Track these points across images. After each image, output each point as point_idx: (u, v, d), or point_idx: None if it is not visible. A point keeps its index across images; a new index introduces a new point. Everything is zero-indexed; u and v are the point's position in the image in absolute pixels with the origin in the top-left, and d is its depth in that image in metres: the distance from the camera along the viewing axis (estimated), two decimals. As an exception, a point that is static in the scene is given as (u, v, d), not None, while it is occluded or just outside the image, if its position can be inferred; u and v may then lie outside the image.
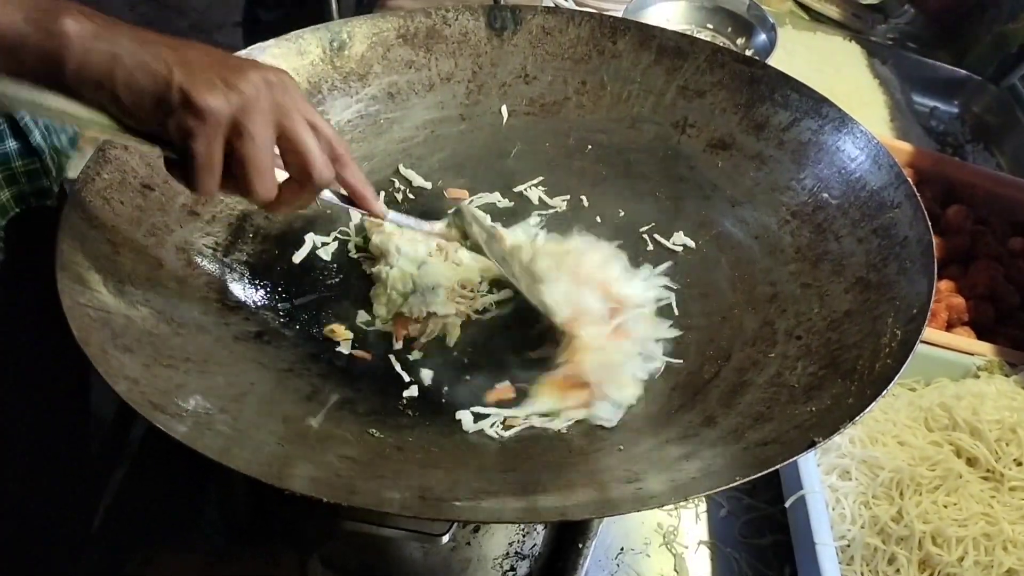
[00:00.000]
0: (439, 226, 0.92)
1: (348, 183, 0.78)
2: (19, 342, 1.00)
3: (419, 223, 0.91)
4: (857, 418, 0.72)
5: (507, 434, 0.84)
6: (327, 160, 0.72)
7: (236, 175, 0.68)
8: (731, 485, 0.67)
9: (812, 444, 0.70)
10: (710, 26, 1.91)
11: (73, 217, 0.83)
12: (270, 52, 1.05)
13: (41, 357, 1.00)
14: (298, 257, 1.01)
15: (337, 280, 1.01)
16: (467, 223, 0.91)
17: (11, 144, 0.94)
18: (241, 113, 0.65)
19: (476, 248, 0.92)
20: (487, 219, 1.03)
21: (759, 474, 0.67)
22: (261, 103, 0.66)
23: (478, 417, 0.86)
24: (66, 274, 0.77)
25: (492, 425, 0.85)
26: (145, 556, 0.87)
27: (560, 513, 0.66)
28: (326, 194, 0.78)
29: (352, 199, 0.80)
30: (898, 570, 0.94)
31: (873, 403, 0.73)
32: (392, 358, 0.92)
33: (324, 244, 1.04)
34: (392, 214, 0.86)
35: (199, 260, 0.93)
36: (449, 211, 0.93)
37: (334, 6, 1.52)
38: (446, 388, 0.90)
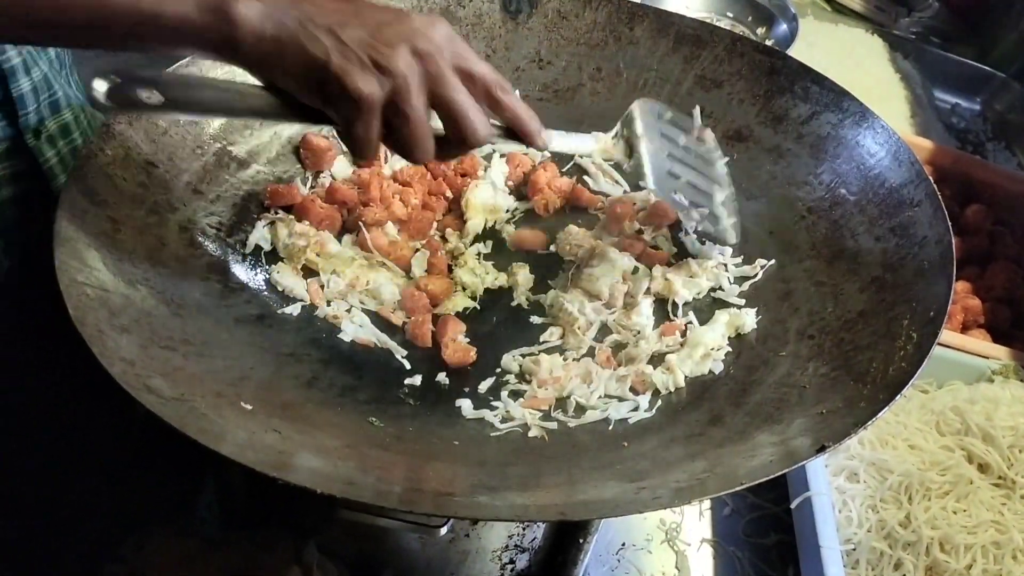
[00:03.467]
0: (605, 138, 0.90)
1: (508, 121, 0.79)
2: (21, 320, 0.99)
3: (582, 139, 0.88)
4: (869, 423, 0.70)
5: (505, 427, 0.82)
6: (483, 118, 0.74)
7: (396, 146, 0.73)
8: (737, 489, 0.66)
9: (822, 448, 0.68)
10: (730, 14, 1.89)
11: (73, 193, 0.81)
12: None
13: (41, 335, 0.99)
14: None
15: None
16: (635, 133, 0.88)
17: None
18: (395, 95, 0.68)
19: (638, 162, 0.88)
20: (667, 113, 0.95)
21: (765, 478, 0.66)
22: (413, 80, 0.69)
23: (479, 404, 0.84)
24: (64, 251, 0.75)
25: (494, 413, 0.83)
26: (139, 539, 0.86)
27: (560, 512, 0.64)
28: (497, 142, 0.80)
29: (515, 134, 0.80)
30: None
31: (886, 408, 0.71)
32: (395, 345, 0.91)
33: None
34: (555, 136, 0.84)
35: (202, 240, 0.92)
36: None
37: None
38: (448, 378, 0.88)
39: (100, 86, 0.66)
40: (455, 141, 0.74)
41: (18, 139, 0.93)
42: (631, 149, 0.89)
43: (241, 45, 0.67)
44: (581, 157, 1.10)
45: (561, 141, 0.86)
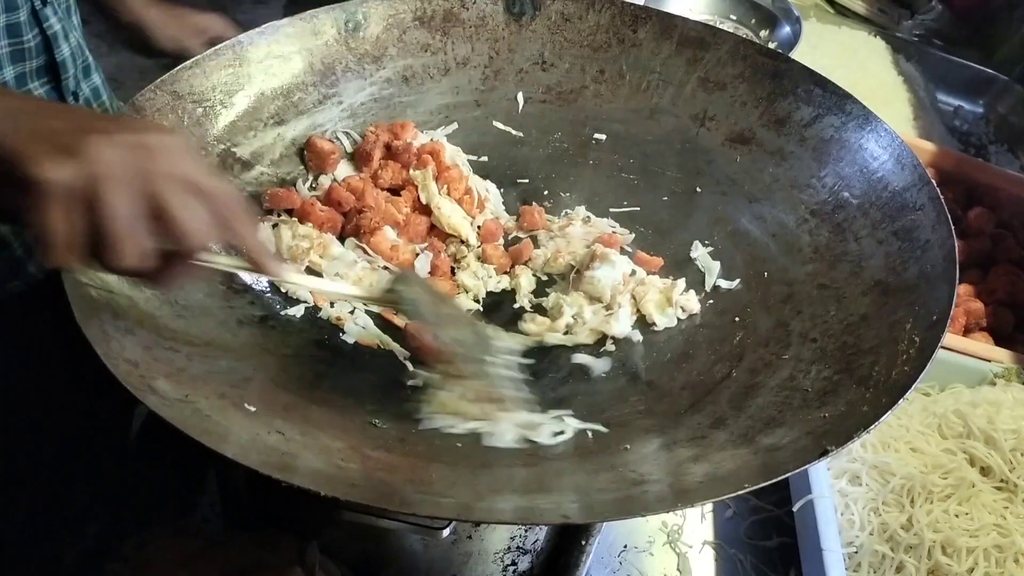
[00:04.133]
0: (377, 292, 0.83)
1: (239, 250, 0.71)
2: (25, 321, 0.99)
3: (348, 288, 0.83)
4: (872, 427, 0.70)
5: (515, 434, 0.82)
6: (207, 228, 0.64)
7: (97, 248, 0.60)
8: (739, 492, 0.65)
9: (825, 452, 0.68)
10: (733, 17, 1.89)
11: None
12: (284, 31, 1.04)
13: (43, 335, 0.99)
14: (306, 241, 0.99)
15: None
16: (406, 297, 0.81)
17: None
18: (92, 183, 0.58)
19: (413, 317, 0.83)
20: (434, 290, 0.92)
21: (768, 481, 0.66)
22: (120, 172, 0.59)
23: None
24: (69, 252, 0.75)
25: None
26: (142, 538, 0.86)
27: (562, 515, 0.64)
28: (218, 258, 0.71)
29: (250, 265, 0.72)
30: (906, 579, 0.93)
31: (889, 412, 0.71)
32: (397, 347, 0.91)
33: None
34: (307, 278, 0.80)
35: (205, 241, 0.92)
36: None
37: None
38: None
39: None
40: (174, 247, 0.64)
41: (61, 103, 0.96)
42: (403, 299, 0.82)
43: None
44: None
45: (310, 281, 0.83)
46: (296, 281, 0.80)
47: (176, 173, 0.62)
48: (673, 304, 0.96)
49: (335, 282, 0.87)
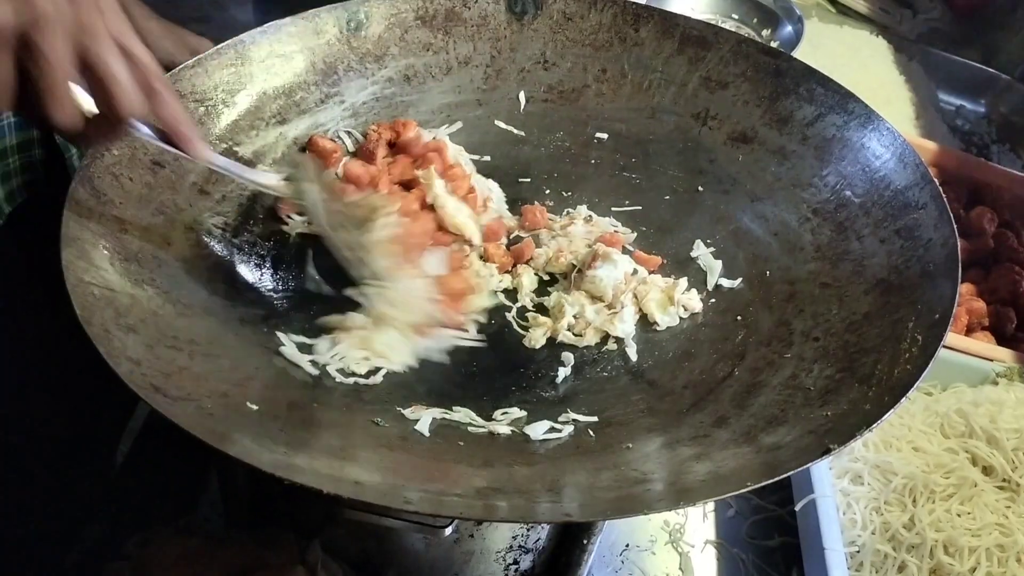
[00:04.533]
0: (274, 179, 0.87)
1: (162, 118, 0.71)
2: (23, 314, 0.99)
3: (249, 172, 0.85)
4: (874, 425, 0.70)
5: (508, 430, 0.82)
6: (136, 88, 0.65)
7: (29, 99, 0.61)
8: (741, 491, 0.66)
9: (827, 451, 0.68)
10: (735, 16, 1.89)
11: (80, 193, 0.81)
12: (286, 30, 1.04)
13: (45, 333, 0.99)
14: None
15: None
16: (305, 179, 0.86)
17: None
18: (31, 28, 0.58)
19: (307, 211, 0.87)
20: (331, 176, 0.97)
21: (771, 480, 0.66)
22: (57, 18, 0.58)
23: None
24: (71, 251, 0.75)
25: (500, 414, 0.83)
26: (143, 537, 0.86)
27: (564, 514, 0.64)
28: (143, 130, 0.72)
29: (169, 137, 0.73)
30: (908, 578, 0.93)
31: (891, 411, 0.71)
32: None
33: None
34: (217, 158, 0.80)
35: (208, 240, 0.92)
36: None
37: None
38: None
39: None
40: (104, 109, 0.65)
41: None
42: (298, 190, 0.87)
43: None
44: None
45: (223, 162, 0.82)
46: (217, 164, 0.80)
47: (113, 33, 0.62)
48: (675, 303, 0.96)
49: (255, 172, 0.87)
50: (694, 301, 0.97)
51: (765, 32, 1.84)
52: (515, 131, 1.15)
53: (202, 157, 0.77)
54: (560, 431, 0.82)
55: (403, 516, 0.81)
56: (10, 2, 0.57)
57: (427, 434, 0.79)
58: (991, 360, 1.17)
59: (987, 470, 1.02)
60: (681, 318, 0.97)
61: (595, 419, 0.83)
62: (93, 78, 0.63)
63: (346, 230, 0.88)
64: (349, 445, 0.74)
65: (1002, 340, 1.26)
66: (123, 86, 0.63)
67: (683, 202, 1.08)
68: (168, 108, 0.70)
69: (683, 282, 0.98)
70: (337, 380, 0.84)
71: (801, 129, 1.05)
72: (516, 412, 0.84)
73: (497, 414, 0.83)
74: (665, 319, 0.96)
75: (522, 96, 1.16)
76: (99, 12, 0.61)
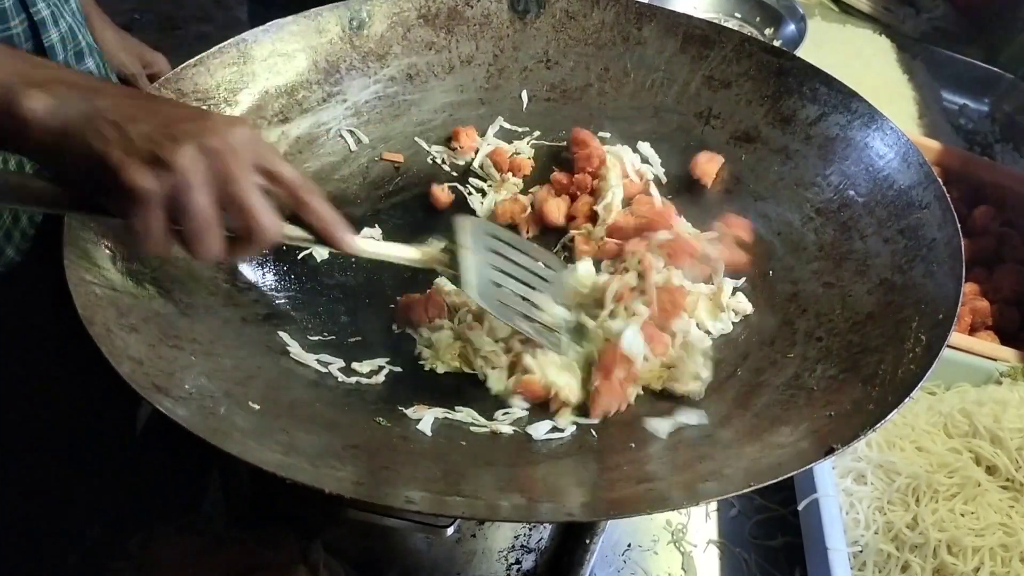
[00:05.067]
0: (424, 250, 0.84)
1: (312, 225, 0.76)
2: (29, 318, 0.99)
3: (400, 248, 0.84)
4: (878, 425, 0.70)
5: (511, 430, 0.82)
6: (272, 218, 0.71)
7: (182, 242, 0.69)
8: (744, 491, 0.65)
9: (830, 451, 0.68)
10: (738, 15, 1.89)
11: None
12: (288, 29, 1.04)
13: (48, 333, 0.99)
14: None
15: (352, 263, 0.99)
16: (459, 244, 0.83)
17: None
18: (176, 191, 0.65)
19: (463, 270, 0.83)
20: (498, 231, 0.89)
21: (774, 480, 0.66)
22: (196, 176, 0.65)
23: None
24: (73, 250, 0.76)
25: (505, 414, 0.83)
26: (145, 536, 0.86)
27: (567, 513, 0.64)
28: (294, 234, 0.76)
29: (321, 238, 0.77)
30: (911, 578, 0.93)
31: (895, 411, 0.71)
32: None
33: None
34: (368, 245, 0.81)
35: (209, 239, 0.92)
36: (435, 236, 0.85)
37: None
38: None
39: None
40: (243, 240, 0.71)
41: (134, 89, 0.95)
42: (454, 259, 0.84)
43: (28, 138, 0.65)
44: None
45: (374, 247, 0.83)
46: (368, 251, 0.82)
47: (252, 161, 0.69)
48: (725, 308, 0.94)
49: (404, 248, 0.85)
50: (744, 303, 0.94)
51: (768, 31, 1.84)
52: (518, 130, 1.15)
53: (354, 250, 0.79)
54: (562, 431, 0.82)
55: (405, 516, 0.81)
56: (151, 169, 0.64)
57: (429, 433, 0.79)
58: (995, 360, 1.16)
59: (991, 470, 1.01)
60: (733, 323, 0.94)
61: (597, 419, 0.83)
62: (235, 215, 0.69)
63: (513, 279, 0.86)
64: (351, 444, 0.74)
65: (1006, 340, 1.25)
66: (259, 218, 0.69)
67: (685, 202, 1.08)
68: (316, 215, 0.75)
69: (728, 285, 0.95)
70: (339, 380, 0.84)
71: (804, 128, 1.05)
72: (518, 412, 0.84)
73: (499, 414, 0.83)
74: (718, 326, 0.93)
75: (524, 95, 1.15)
76: (232, 153, 0.67)
